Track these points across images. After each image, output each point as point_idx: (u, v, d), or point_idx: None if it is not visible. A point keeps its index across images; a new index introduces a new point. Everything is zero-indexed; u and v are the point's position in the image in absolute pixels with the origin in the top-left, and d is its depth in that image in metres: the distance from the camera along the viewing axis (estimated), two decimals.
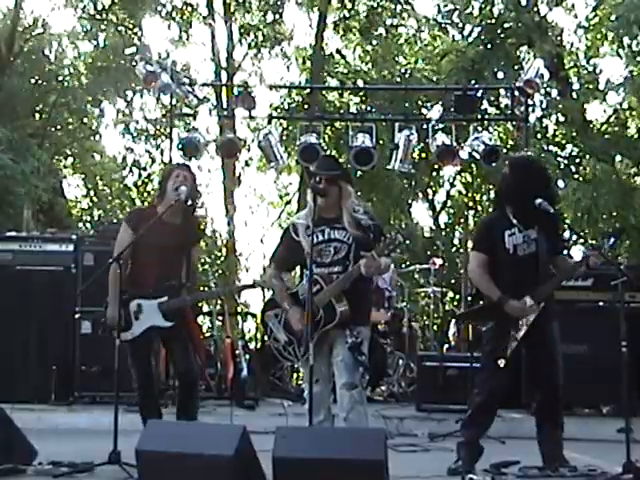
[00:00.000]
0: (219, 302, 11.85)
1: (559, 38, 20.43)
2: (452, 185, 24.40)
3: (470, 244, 7.63)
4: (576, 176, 19.72)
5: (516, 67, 18.64)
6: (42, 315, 9.65)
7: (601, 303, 9.50)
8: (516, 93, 11.63)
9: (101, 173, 23.85)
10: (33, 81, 19.90)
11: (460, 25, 21.46)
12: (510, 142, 20.63)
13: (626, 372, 6.14)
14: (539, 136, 20.16)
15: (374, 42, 22.60)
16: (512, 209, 6.39)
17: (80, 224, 22.72)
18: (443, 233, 23.67)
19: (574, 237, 17.32)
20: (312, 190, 5.96)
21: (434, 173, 22.45)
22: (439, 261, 12.15)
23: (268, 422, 8.05)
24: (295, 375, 12.00)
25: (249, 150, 21.41)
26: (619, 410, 7.95)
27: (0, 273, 9.92)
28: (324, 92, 21.78)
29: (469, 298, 10.65)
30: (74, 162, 23.41)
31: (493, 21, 20.34)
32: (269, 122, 12.51)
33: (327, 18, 22.47)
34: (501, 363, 6.15)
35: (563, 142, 21.16)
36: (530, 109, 13.09)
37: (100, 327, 6.92)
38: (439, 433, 8.37)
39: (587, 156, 18.91)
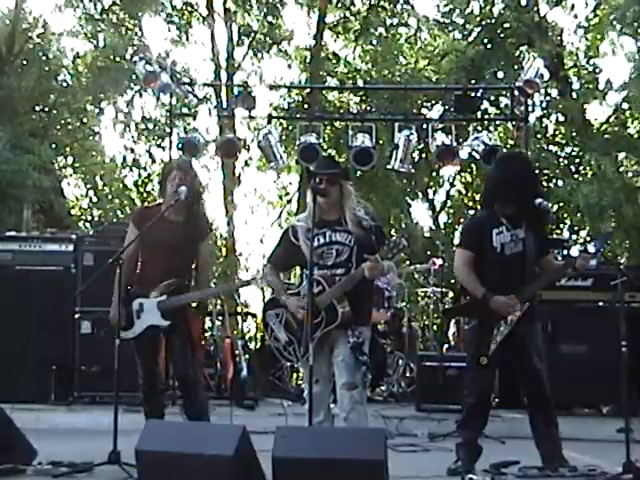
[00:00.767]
0: (219, 302, 11.85)
1: (559, 38, 20.44)
2: (452, 185, 24.40)
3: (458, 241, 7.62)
4: (576, 176, 19.72)
5: (516, 67, 18.64)
6: (42, 315, 9.65)
7: (601, 303, 9.50)
8: (516, 93, 11.63)
9: (101, 173, 23.84)
10: (33, 81, 19.86)
11: (460, 25, 21.45)
12: (510, 142, 20.62)
13: (626, 372, 6.14)
14: (539, 136, 20.17)
15: (374, 42, 22.60)
16: (500, 207, 6.39)
17: (80, 224, 22.71)
18: (443, 233, 23.65)
19: (573, 236, 17.41)
20: (312, 190, 5.94)
21: (434, 173, 22.45)
22: (439, 261, 12.13)
23: (268, 422, 8.05)
24: (295, 375, 12.00)
25: (249, 150, 21.41)
26: (619, 410, 7.95)
27: (0, 273, 9.93)
28: (324, 92, 21.79)
29: (452, 294, 10.70)
30: (74, 162, 23.39)
31: (493, 21, 20.37)
32: (269, 122, 12.52)
33: (326, 18, 22.48)
34: (483, 361, 6.14)
35: (563, 142, 21.17)
36: (530, 109, 13.10)
37: (104, 327, 6.96)
38: (439, 433, 8.36)
39: (589, 154, 18.88)
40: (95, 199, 24.57)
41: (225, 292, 10.47)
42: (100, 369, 9.40)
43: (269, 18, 22.35)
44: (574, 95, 20.20)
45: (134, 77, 18.32)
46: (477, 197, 23.36)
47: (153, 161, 23.43)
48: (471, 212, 22.34)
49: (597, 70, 20.60)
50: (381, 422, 8.56)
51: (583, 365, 9.13)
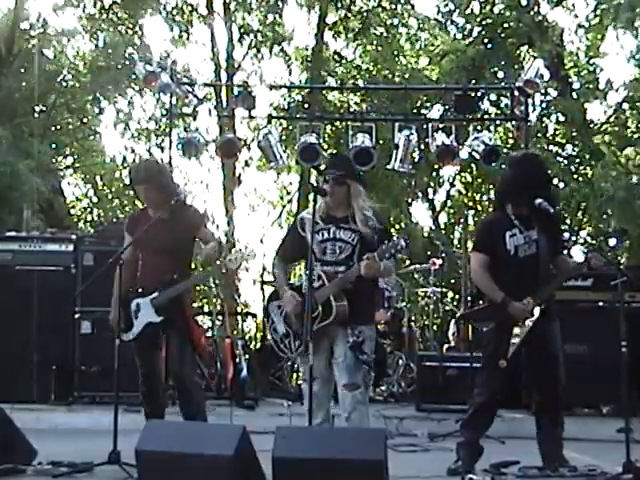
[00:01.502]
0: (219, 302, 11.85)
1: (559, 38, 20.42)
2: (452, 185, 24.36)
3: (470, 244, 7.62)
4: (575, 176, 19.72)
5: (516, 67, 18.64)
6: (42, 315, 9.65)
7: (601, 303, 9.51)
8: (516, 93, 11.62)
9: (101, 173, 23.83)
10: (32, 81, 19.86)
11: (460, 25, 21.43)
12: (511, 142, 20.62)
13: (626, 372, 6.14)
14: (539, 135, 20.15)
15: (374, 42, 22.58)
16: (513, 209, 6.38)
17: (80, 224, 22.71)
18: (443, 233, 23.64)
19: (573, 237, 17.39)
20: (312, 190, 5.96)
21: (434, 173, 22.42)
22: (439, 261, 12.13)
23: (268, 422, 8.06)
24: (295, 375, 11.98)
25: (249, 150, 21.40)
26: (619, 410, 7.94)
27: (0, 273, 9.93)
28: (324, 92, 21.77)
29: (469, 298, 10.67)
30: (74, 162, 23.39)
31: (493, 21, 20.34)
32: (269, 122, 12.52)
33: (327, 18, 22.47)
34: (502, 364, 6.14)
35: (563, 142, 21.16)
36: (530, 109, 13.09)
37: (105, 328, 7.00)
38: (439, 433, 8.37)
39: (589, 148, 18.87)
40: (95, 199, 24.57)
41: (207, 278, 10.29)
42: (100, 369, 9.40)
43: (269, 18, 22.33)
44: (574, 95, 20.18)
45: (134, 77, 18.29)
46: (477, 197, 23.38)
47: None
48: (471, 212, 22.33)
49: (597, 70, 20.58)
50: (381, 422, 8.56)
51: (583, 365, 9.12)
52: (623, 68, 28.45)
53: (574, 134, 20.32)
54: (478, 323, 6.63)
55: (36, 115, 19.18)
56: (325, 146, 16.72)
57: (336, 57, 23.09)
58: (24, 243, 10.11)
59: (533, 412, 6.59)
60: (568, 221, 20.82)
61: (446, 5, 21.38)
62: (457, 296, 16.67)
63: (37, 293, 9.78)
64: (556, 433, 6.30)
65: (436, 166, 19.60)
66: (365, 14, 22.37)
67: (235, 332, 12.97)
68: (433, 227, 23.89)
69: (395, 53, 22.41)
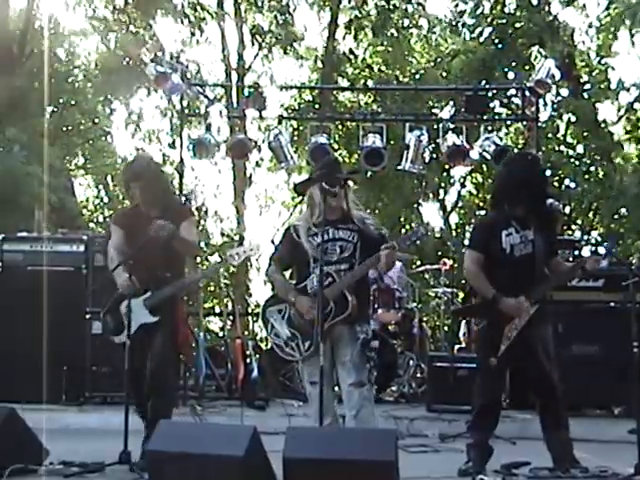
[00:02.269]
0: (229, 303, 11.86)
1: (570, 38, 20.39)
2: (463, 185, 24.36)
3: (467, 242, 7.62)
4: (586, 176, 19.69)
5: (527, 67, 18.61)
6: (53, 315, 9.64)
7: (612, 304, 9.48)
8: (527, 93, 11.61)
9: (112, 173, 23.89)
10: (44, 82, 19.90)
11: (471, 25, 21.41)
12: (522, 142, 20.59)
13: (637, 373, 6.12)
14: (550, 136, 20.12)
15: (385, 42, 22.59)
16: (509, 208, 6.39)
17: (91, 224, 22.77)
18: (454, 233, 23.63)
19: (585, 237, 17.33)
20: (324, 192, 5.94)
21: (445, 173, 22.42)
22: (449, 262, 12.12)
23: (278, 422, 8.05)
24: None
25: (260, 151, 21.44)
26: (630, 411, 7.91)
27: (11, 273, 9.96)
28: (334, 92, 21.79)
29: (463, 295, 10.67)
30: (85, 162, 23.45)
31: (504, 21, 20.32)
32: (279, 122, 12.51)
33: (338, 18, 22.49)
34: (493, 362, 6.14)
35: (575, 142, 21.11)
36: (541, 109, 13.07)
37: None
38: (450, 434, 8.35)
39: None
40: (106, 199, 24.64)
41: (205, 277, 10.27)
42: (111, 369, 9.41)
43: (280, 18, 22.35)
44: (585, 95, 20.15)
45: (145, 77, 18.34)
46: (488, 197, 23.32)
47: (164, 162, 23.44)
48: (482, 212, 22.31)
49: (609, 69, 20.53)
50: (392, 423, 8.56)
51: (594, 366, 9.11)
52: (635, 67, 28.36)
53: (585, 134, 20.28)
54: (471, 318, 6.62)
55: (47, 116, 19.20)
56: (336, 146, 16.74)
57: (347, 57, 23.08)
58: (35, 243, 10.13)
59: (537, 413, 6.58)
60: (579, 221, 20.80)
61: (456, 6, 21.37)
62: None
63: (48, 293, 9.78)
64: (560, 435, 6.28)
65: (447, 166, 19.60)
66: (378, 14, 22.35)
67: (246, 333, 12.98)
68: (444, 227, 23.88)
69: (406, 53, 22.42)
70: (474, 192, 24.12)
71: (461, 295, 12.89)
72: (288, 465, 4.85)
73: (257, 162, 23.53)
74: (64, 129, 21.06)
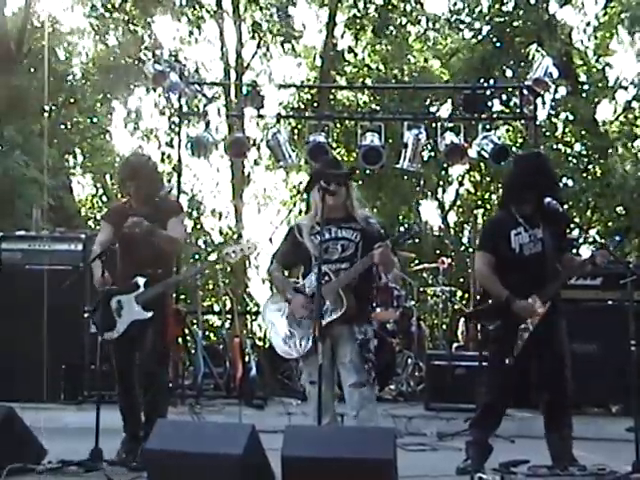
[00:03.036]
0: (227, 301, 11.86)
1: (568, 36, 20.40)
2: (461, 184, 24.38)
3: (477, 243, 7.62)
4: (585, 174, 19.70)
5: (525, 66, 18.61)
6: (51, 314, 9.64)
7: (610, 302, 9.49)
8: (525, 92, 11.61)
9: (111, 172, 23.87)
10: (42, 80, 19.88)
11: (469, 23, 21.42)
12: (520, 141, 20.62)
13: (635, 371, 6.13)
14: (548, 134, 20.14)
15: (384, 41, 22.58)
16: (517, 208, 6.38)
17: (89, 223, 22.75)
18: (452, 232, 23.65)
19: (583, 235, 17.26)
20: (322, 190, 5.95)
21: (443, 172, 22.44)
22: (448, 260, 12.12)
23: (277, 421, 8.07)
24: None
25: (258, 149, 21.43)
26: (628, 409, 7.91)
27: (9, 272, 9.96)
28: (333, 90, 21.78)
29: (478, 297, 10.67)
30: (84, 161, 23.44)
31: (502, 20, 20.33)
32: (278, 121, 12.52)
33: (336, 16, 22.48)
34: (508, 362, 6.14)
35: (572, 141, 21.13)
36: (540, 108, 13.08)
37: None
38: (448, 432, 8.36)
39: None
40: (105, 198, 24.61)
41: (199, 272, 10.27)
42: (110, 368, 9.40)
43: (279, 13, 22.32)
44: (584, 94, 20.16)
45: (143, 76, 18.33)
46: (486, 196, 23.35)
47: (162, 160, 23.44)
48: (480, 211, 22.33)
49: (607, 68, 20.55)
50: (390, 421, 8.56)
51: (592, 364, 9.11)
52: (632, 66, 28.39)
53: (583, 133, 20.30)
54: (484, 322, 6.61)
55: (46, 115, 19.20)
56: (334, 145, 16.74)
57: (344, 56, 23.05)
58: (33, 242, 10.12)
59: (541, 412, 6.58)
60: (577, 219, 20.81)
61: (455, 4, 21.39)
62: (466, 295, 16.67)
63: (46, 292, 9.78)
64: (564, 433, 6.29)
65: (445, 165, 19.62)
66: (377, 13, 22.31)
67: (244, 331, 12.99)
68: (442, 226, 23.90)
69: (404, 52, 22.42)
70: (472, 191, 24.13)
71: (459, 293, 12.91)
72: (287, 463, 4.84)
73: (255, 161, 23.53)
74: (62, 127, 21.06)
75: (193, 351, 11.07)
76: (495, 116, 15.83)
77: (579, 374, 8.73)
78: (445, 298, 12.35)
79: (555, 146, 20.52)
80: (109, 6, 21.53)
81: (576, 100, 19.71)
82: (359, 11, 22.58)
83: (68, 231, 10.99)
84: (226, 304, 12.52)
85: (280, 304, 6.17)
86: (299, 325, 6.01)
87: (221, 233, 24.11)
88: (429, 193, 23.56)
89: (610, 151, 19.03)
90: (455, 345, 12.19)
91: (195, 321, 11.58)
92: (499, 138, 11.73)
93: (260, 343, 13.68)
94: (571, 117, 20.47)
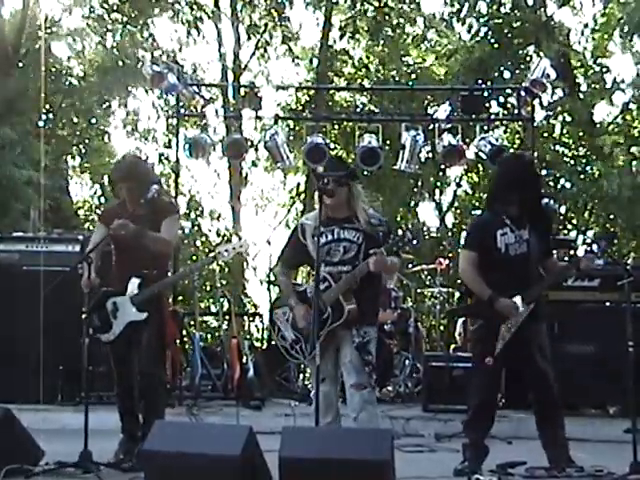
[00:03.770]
0: (225, 302, 11.85)
1: (566, 38, 20.40)
2: (459, 185, 24.35)
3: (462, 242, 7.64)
4: (582, 176, 19.68)
5: (523, 67, 18.62)
6: (48, 315, 9.63)
7: (607, 303, 9.50)
8: (522, 93, 11.62)
9: (108, 173, 23.83)
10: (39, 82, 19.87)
11: (467, 24, 21.39)
12: (517, 142, 20.61)
13: (632, 372, 6.13)
14: (546, 136, 20.13)
15: (381, 42, 22.57)
16: (503, 208, 6.40)
17: (87, 224, 22.73)
18: (450, 233, 23.63)
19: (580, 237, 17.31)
20: (319, 191, 5.96)
21: (441, 173, 22.42)
22: (445, 261, 12.12)
23: (274, 422, 8.06)
24: (301, 375, 12.00)
25: (256, 150, 21.43)
26: (626, 410, 7.92)
27: (7, 273, 9.93)
28: (331, 92, 21.78)
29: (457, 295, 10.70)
30: (81, 162, 23.42)
31: (500, 21, 20.31)
32: (275, 122, 12.52)
33: (333, 18, 22.47)
34: (489, 362, 6.15)
35: (570, 142, 21.12)
36: (537, 109, 13.09)
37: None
38: (445, 433, 8.37)
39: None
40: (103, 199, 24.58)
41: (194, 271, 10.23)
42: (107, 369, 9.39)
43: (276, 17, 22.32)
44: (581, 95, 20.16)
45: (141, 77, 18.32)
46: (484, 197, 23.34)
47: (160, 161, 23.44)
48: (478, 212, 22.31)
49: (604, 70, 20.53)
50: (387, 422, 8.54)
51: (590, 365, 9.13)
52: (630, 67, 28.41)
53: (581, 134, 20.29)
54: (467, 317, 6.63)
55: (43, 116, 19.17)
56: (332, 146, 16.74)
57: (339, 57, 23.04)
58: (31, 243, 10.10)
59: (533, 412, 6.59)
60: (575, 221, 20.81)
61: (452, 5, 21.35)
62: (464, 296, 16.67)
63: (44, 293, 9.76)
64: (556, 435, 6.29)
65: (443, 166, 19.59)
66: (374, 14, 22.29)
67: (242, 332, 12.98)
68: (440, 227, 23.88)
69: (402, 53, 22.41)
70: (470, 192, 24.11)
71: (457, 295, 12.90)
72: (284, 465, 4.85)
73: (253, 162, 23.53)
74: (60, 128, 21.04)
75: (191, 352, 11.06)
76: (493, 117, 15.84)
77: (577, 375, 8.80)
78: (443, 299, 12.36)
79: (552, 147, 20.51)
80: (107, 7, 21.50)
81: (573, 101, 19.70)
82: (356, 12, 22.57)
83: (65, 232, 10.97)
84: (223, 305, 12.50)
85: (285, 308, 6.21)
86: (303, 330, 6.04)
87: (218, 234, 24.09)
88: (427, 194, 23.55)
89: (606, 152, 18.98)
90: (453, 346, 12.19)
91: (193, 322, 11.58)
92: (497, 139, 11.73)
93: (258, 344, 13.69)
94: (569, 118, 20.45)
